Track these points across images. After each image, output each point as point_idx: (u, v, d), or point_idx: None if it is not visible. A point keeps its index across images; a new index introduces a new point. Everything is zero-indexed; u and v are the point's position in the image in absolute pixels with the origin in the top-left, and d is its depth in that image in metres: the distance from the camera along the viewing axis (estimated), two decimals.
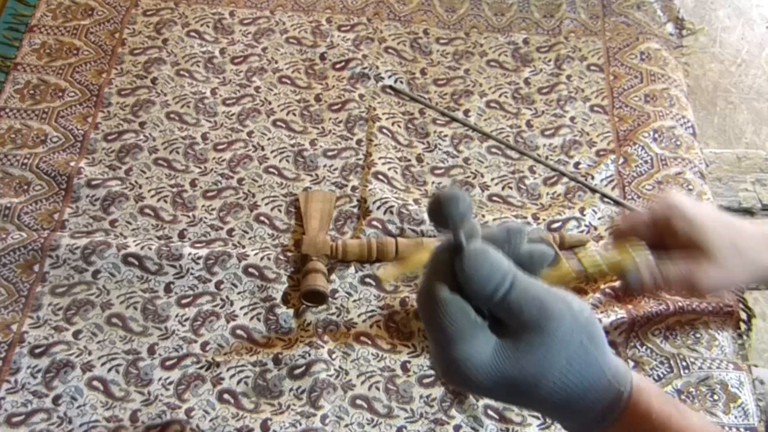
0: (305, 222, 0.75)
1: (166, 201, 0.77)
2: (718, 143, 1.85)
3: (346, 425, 0.64)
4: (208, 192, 0.78)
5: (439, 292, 0.44)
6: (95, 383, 0.66)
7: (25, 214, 0.75)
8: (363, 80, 0.87)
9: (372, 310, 0.71)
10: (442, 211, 0.43)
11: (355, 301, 0.72)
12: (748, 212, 0.82)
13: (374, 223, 0.75)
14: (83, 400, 0.65)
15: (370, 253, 0.72)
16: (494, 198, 0.79)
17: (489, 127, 0.84)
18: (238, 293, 0.71)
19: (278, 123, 0.83)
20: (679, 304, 0.71)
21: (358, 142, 0.82)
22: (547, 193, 0.80)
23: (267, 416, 0.65)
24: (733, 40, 2.00)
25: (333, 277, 0.73)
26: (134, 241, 0.73)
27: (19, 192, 0.76)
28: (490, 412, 0.66)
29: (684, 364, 0.69)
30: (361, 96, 0.86)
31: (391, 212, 0.76)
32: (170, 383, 0.66)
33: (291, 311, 0.71)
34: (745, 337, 0.71)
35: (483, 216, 0.76)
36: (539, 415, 0.66)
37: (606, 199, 0.79)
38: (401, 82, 0.87)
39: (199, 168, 0.79)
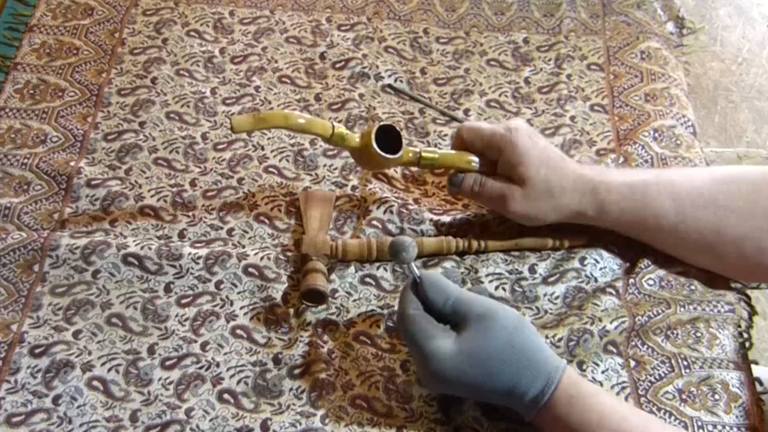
0: (305, 222, 0.75)
1: (166, 201, 0.77)
2: (719, 142, 1.85)
3: (346, 425, 0.64)
4: (208, 192, 0.78)
5: (409, 311, 0.62)
6: (95, 383, 0.66)
7: (24, 214, 0.75)
8: (363, 80, 0.87)
9: (372, 310, 0.71)
10: (398, 256, 0.64)
11: (355, 300, 0.72)
12: None
13: (374, 222, 0.75)
14: (83, 400, 0.65)
15: (370, 252, 0.72)
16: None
17: None
18: (238, 293, 0.71)
19: None
20: (680, 303, 0.71)
21: None
22: None
23: (267, 416, 0.65)
24: (734, 39, 2.00)
25: (333, 276, 0.73)
26: (134, 240, 0.72)
27: (19, 192, 0.76)
28: (491, 413, 0.66)
29: (685, 363, 0.69)
30: (361, 95, 0.86)
31: (391, 212, 0.76)
32: (170, 383, 0.66)
33: (291, 311, 0.71)
34: (745, 335, 0.71)
35: (483, 215, 0.76)
36: None
37: None
38: (401, 82, 0.87)
39: (199, 168, 0.79)
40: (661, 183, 0.70)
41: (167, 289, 0.71)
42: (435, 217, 0.75)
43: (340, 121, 0.83)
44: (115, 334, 0.69)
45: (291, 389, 0.66)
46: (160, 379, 0.66)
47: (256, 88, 0.86)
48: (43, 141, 0.80)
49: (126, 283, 0.71)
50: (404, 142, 0.72)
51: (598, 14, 0.95)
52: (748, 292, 0.75)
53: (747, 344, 0.71)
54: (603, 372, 0.68)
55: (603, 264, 0.75)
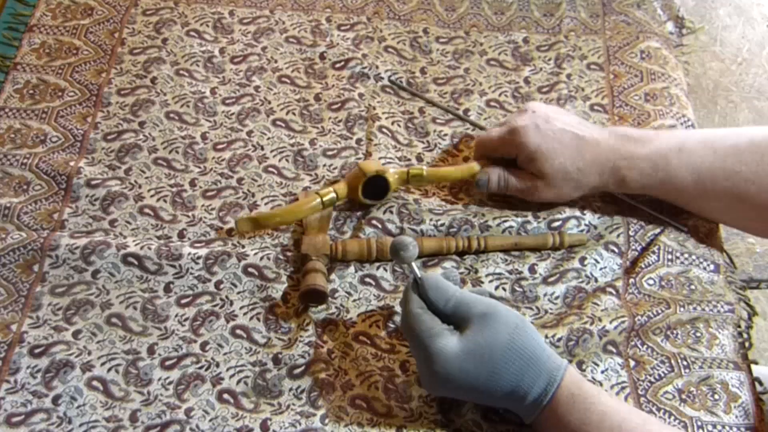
0: (305, 222, 0.75)
1: (165, 201, 0.77)
2: None
3: (346, 425, 0.64)
4: (207, 192, 0.78)
5: (414, 309, 0.62)
6: (95, 383, 0.66)
7: (24, 214, 0.75)
8: (363, 79, 0.87)
9: (372, 310, 0.71)
10: (398, 255, 0.64)
11: (354, 300, 0.72)
12: None
13: (374, 222, 0.75)
14: (83, 400, 0.65)
15: (370, 252, 0.72)
16: (494, 197, 0.79)
17: (489, 126, 0.84)
18: (238, 293, 0.71)
19: (278, 122, 0.83)
20: (680, 303, 0.71)
21: (358, 141, 0.82)
22: None
23: (267, 416, 0.65)
24: (734, 39, 2.00)
25: (333, 276, 0.73)
26: (134, 240, 0.72)
27: (19, 192, 0.76)
28: (490, 415, 0.66)
29: (685, 363, 0.69)
30: (360, 95, 0.86)
31: (391, 212, 0.76)
32: (170, 383, 0.66)
33: (291, 311, 0.71)
34: (745, 335, 0.71)
35: (483, 215, 0.76)
36: None
37: (606, 198, 0.79)
38: (401, 81, 0.87)
39: (199, 168, 0.79)
40: (683, 154, 0.72)
41: (167, 289, 0.71)
42: (435, 217, 0.75)
43: (340, 121, 0.83)
44: (115, 334, 0.69)
45: (291, 389, 0.66)
46: (159, 379, 0.66)
47: (256, 88, 0.86)
48: (43, 141, 0.80)
49: (126, 283, 0.71)
50: (392, 177, 0.75)
51: (598, 14, 0.95)
52: (748, 292, 0.75)
53: (747, 344, 0.71)
54: (603, 372, 0.68)
55: (603, 264, 0.75)
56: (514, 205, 0.78)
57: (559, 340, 0.68)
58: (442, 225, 0.75)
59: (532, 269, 0.74)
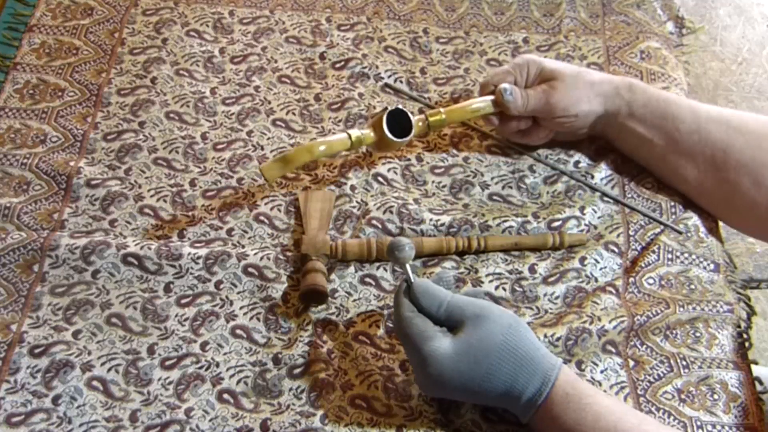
0: (305, 222, 0.75)
1: (165, 201, 0.77)
2: None
3: (346, 425, 0.64)
4: (207, 192, 0.78)
5: (405, 313, 0.62)
6: (95, 383, 0.66)
7: (24, 214, 0.75)
8: (363, 79, 0.87)
9: (372, 310, 0.71)
10: (393, 255, 0.65)
11: (354, 300, 0.72)
12: None
13: (374, 222, 0.75)
14: (83, 400, 0.65)
15: (370, 252, 0.72)
16: (494, 197, 0.79)
17: (489, 126, 0.84)
18: (238, 293, 0.71)
19: (278, 122, 0.83)
20: (680, 303, 0.71)
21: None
22: (547, 192, 0.80)
23: (267, 416, 0.65)
24: (734, 39, 2.00)
25: (333, 276, 0.73)
26: (134, 240, 0.72)
27: (19, 192, 0.76)
28: (490, 415, 0.66)
29: (684, 363, 0.69)
30: (360, 95, 0.86)
31: (391, 212, 0.76)
32: (170, 383, 0.66)
33: (291, 311, 0.71)
34: (745, 335, 0.71)
35: (483, 215, 0.76)
36: None
37: (606, 198, 0.79)
38: (401, 82, 0.87)
39: (199, 168, 0.79)
40: (682, 99, 0.79)
41: (167, 289, 0.71)
42: (435, 217, 0.75)
43: (340, 121, 0.84)
44: (115, 334, 0.69)
45: (291, 389, 0.66)
46: (159, 379, 0.66)
47: (256, 88, 0.86)
48: (43, 141, 0.80)
49: (126, 283, 0.71)
50: (412, 118, 0.75)
51: (598, 14, 0.95)
52: (748, 292, 0.75)
53: (746, 344, 0.71)
54: (602, 372, 0.68)
55: (603, 264, 0.75)
56: (514, 205, 0.78)
57: (558, 339, 0.68)
58: (442, 225, 0.75)
59: (532, 269, 0.74)
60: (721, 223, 0.79)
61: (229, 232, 0.75)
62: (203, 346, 0.68)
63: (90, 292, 0.70)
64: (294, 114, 0.84)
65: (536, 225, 0.77)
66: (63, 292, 0.70)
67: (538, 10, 0.95)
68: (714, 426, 0.66)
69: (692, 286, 0.73)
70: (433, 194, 0.79)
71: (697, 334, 0.70)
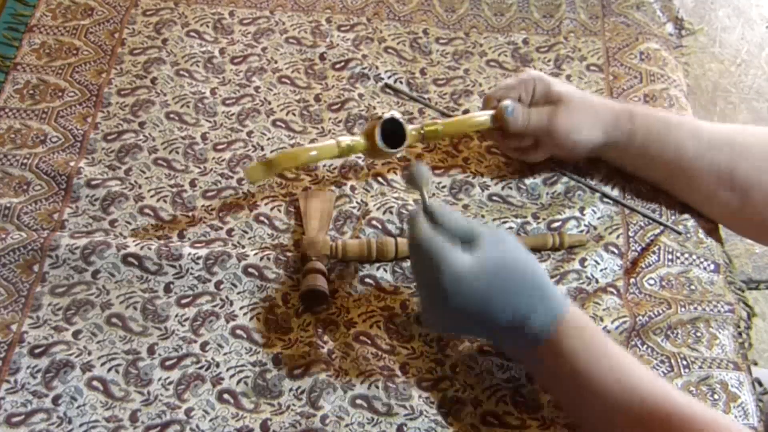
0: (305, 222, 0.75)
1: (165, 201, 0.77)
2: None
3: (347, 425, 0.64)
4: (207, 192, 0.78)
5: (424, 231, 0.61)
6: (95, 383, 0.66)
7: (24, 214, 0.75)
8: (362, 80, 0.87)
9: (372, 310, 0.71)
10: (413, 181, 0.65)
11: (355, 301, 0.72)
12: None
13: (374, 223, 0.75)
14: (83, 400, 0.65)
15: (370, 253, 0.72)
16: (494, 197, 0.79)
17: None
18: (238, 293, 0.71)
19: (278, 123, 0.83)
20: (681, 303, 0.71)
21: None
22: (547, 193, 0.80)
23: (267, 416, 0.65)
24: (733, 40, 2.00)
25: (333, 277, 0.73)
26: (134, 241, 0.72)
27: (19, 192, 0.76)
28: (489, 419, 0.66)
29: (684, 363, 0.69)
30: (360, 96, 0.86)
31: (391, 212, 0.76)
32: (170, 383, 0.66)
33: (291, 311, 0.71)
34: (744, 336, 0.71)
35: (483, 216, 0.76)
36: (538, 417, 0.66)
37: (606, 199, 0.79)
38: (401, 82, 0.87)
39: (199, 168, 0.79)
40: (684, 120, 0.76)
41: (167, 289, 0.71)
42: None
43: (340, 122, 0.84)
44: (115, 334, 0.69)
45: (291, 389, 0.66)
46: (160, 379, 0.66)
47: (256, 88, 0.86)
48: (43, 141, 0.80)
49: (126, 283, 0.71)
50: (406, 128, 0.74)
51: (598, 15, 0.95)
52: (747, 293, 0.75)
53: (746, 345, 0.71)
54: None
55: (603, 265, 0.75)
56: (514, 205, 0.78)
57: None
58: None
59: None
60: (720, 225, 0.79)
61: (229, 232, 0.75)
62: (203, 346, 0.68)
63: (90, 292, 0.70)
64: (294, 114, 0.84)
65: (536, 226, 0.77)
66: (63, 292, 0.70)
67: (537, 11, 0.95)
68: None
69: (692, 287, 0.73)
70: (433, 195, 0.79)
71: (698, 334, 0.70)
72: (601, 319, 0.69)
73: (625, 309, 0.71)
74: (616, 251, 0.76)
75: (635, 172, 0.79)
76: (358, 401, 0.66)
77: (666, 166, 0.76)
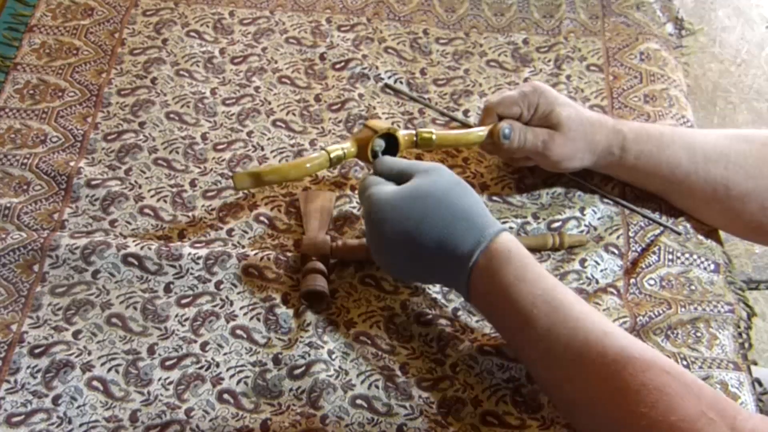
0: (305, 222, 0.75)
1: (165, 201, 0.77)
2: None
3: (347, 425, 0.64)
4: (208, 192, 0.78)
5: (368, 180, 0.67)
6: (95, 383, 0.66)
7: (24, 214, 0.75)
8: (363, 80, 0.87)
9: (372, 310, 0.71)
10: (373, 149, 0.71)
11: (355, 301, 0.72)
12: None
13: None
14: (83, 400, 0.65)
15: (370, 253, 0.72)
16: (494, 198, 0.79)
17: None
18: (238, 293, 0.71)
19: (278, 123, 0.83)
20: (681, 303, 0.71)
21: None
22: (547, 193, 0.80)
23: (267, 416, 0.65)
24: (733, 40, 2.00)
25: (333, 277, 0.73)
26: (134, 241, 0.72)
27: (19, 192, 0.76)
28: (489, 418, 0.66)
29: (685, 363, 0.69)
30: (360, 96, 0.86)
31: None
32: (170, 383, 0.66)
33: (291, 311, 0.71)
34: (744, 336, 0.71)
35: None
36: (538, 418, 0.66)
37: (606, 199, 0.79)
38: (401, 82, 0.87)
39: (199, 168, 0.79)
40: (677, 134, 0.76)
41: (167, 289, 0.71)
42: None
43: (340, 122, 0.84)
44: (115, 334, 0.69)
45: (291, 389, 0.66)
46: (160, 379, 0.66)
47: (256, 88, 0.86)
48: (43, 141, 0.80)
49: (126, 283, 0.71)
50: (400, 138, 0.73)
51: (598, 15, 0.95)
52: (747, 293, 0.75)
53: (746, 345, 0.71)
54: None
55: (604, 266, 0.75)
56: (514, 205, 0.78)
57: None
58: None
59: None
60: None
61: (229, 232, 0.75)
62: (203, 346, 0.68)
63: (90, 292, 0.70)
64: (294, 114, 0.84)
65: (536, 226, 0.77)
66: (63, 292, 0.70)
67: (537, 11, 0.95)
68: None
69: (693, 287, 0.73)
70: None
71: (698, 334, 0.70)
72: None
73: (625, 309, 0.71)
74: (617, 251, 0.76)
75: (630, 184, 0.80)
76: (358, 401, 0.66)
77: (661, 182, 0.76)
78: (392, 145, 0.73)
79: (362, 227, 0.75)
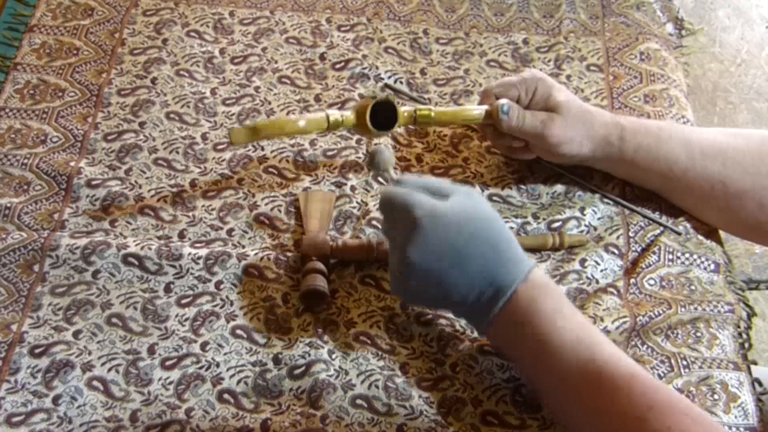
0: (305, 222, 0.75)
1: (166, 201, 0.77)
2: None
3: (347, 425, 0.64)
4: (208, 192, 0.78)
5: (396, 190, 0.63)
6: (95, 383, 0.66)
7: (25, 214, 0.75)
8: (363, 80, 0.87)
9: (372, 310, 0.71)
10: (375, 164, 0.69)
11: (355, 301, 0.72)
12: None
13: (374, 223, 0.75)
14: (83, 400, 0.65)
15: (370, 253, 0.72)
16: (494, 197, 0.79)
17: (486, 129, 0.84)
18: (238, 293, 0.71)
19: None
20: (681, 303, 0.71)
21: (358, 141, 0.82)
22: (547, 193, 0.80)
23: (267, 416, 0.65)
24: (733, 40, 2.00)
25: (333, 277, 0.73)
26: (134, 241, 0.73)
27: (19, 192, 0.76)
28: (489, 418, 0.66)
29: (685, 363, 0.69)
30: (360, 96, 0.86)
31: None
32: (170, 383, 0.66)
33: (291, 311, 0.71)
34: (744, 336, 0.71)
35: None
36: (538, 418, 0.66)
37: (606, 199, 0.79)
38: (401, 82, 0.87)
39: (199, 168, 0.79)
40: (675, 130, 0.76)
41: (167, 289, 0.71)
42: None
43: None
44: (115, 334, 0.69)
45: (291, 389, 0.66)
46: (160, 379, 0.66)
47: (256, 88, 0.86)
48: (43, 141, 0.80)
49: (126, 283, 0.71)
50: (401, 110, 0.74)
51: (598, 15, 0.95)
52: (747, 293, 0.75)
53: (746, 345, 0.71)
54: None
55: (604, 266, 0.75)
56: (514, 205, 0.78)
57: None
58: None
59: None
60: None
61: (230, 232, 0.75)
62: (203, 346, 0.68)
63: (90, 292, 0.70)
64: (294, 114, 0.84)
65: (536, 226, 0.77)
66: (63, 292, 0.70)
67: (537, 11, 0.95)
68: None
69: (693, 287, 0.73)
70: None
71: (698, 334, 0.70)
72: (602, 320, 0.69)
73: (625, 309, 0.71)
74: (617, 252, 0.76)
75: (628, 180, 0.79)
76: (358, 401, 0.66)
77: (658, 178, 0.76)
78: (390, 120, 0.74)
79: (362, 227, 0.75)
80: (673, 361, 0.69)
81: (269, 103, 0.85)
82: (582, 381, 0.58)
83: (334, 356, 0.68)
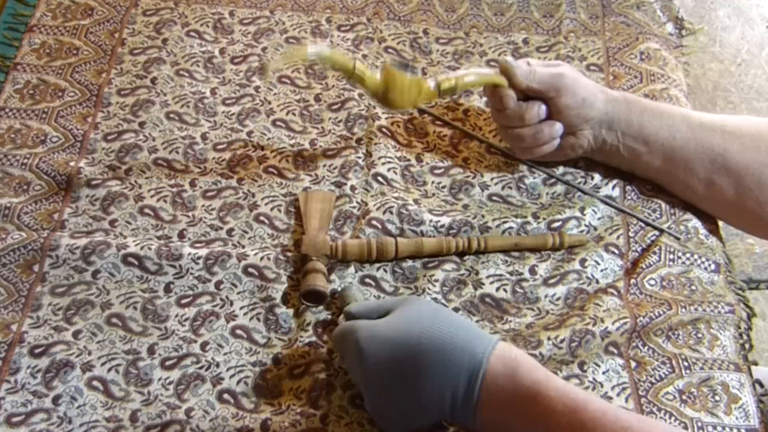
0: (305, 222, 0.75)
1: (165, 201, 0.77)
2: None
3: (347, 424, 0.64)
4: (207, 192, 0.78)
5: (341, 327, 0.64)
6: (95, 383, 0.66)
7: (24, 214, 0.75)
8: None
9: None
10: (342, 300, 0.69)
11: (355, 301, 0.71)
12: None
13: (374, 223, 0.75)
14: (83, 400, 0.65)
15: (370, 253, 0.72)
16: (494, 198, 0.79)
17: (489, 126, 0.84)
18: (238, 293, 0.71)
19: (278, 123, 0.83)
20: (681, 303, 0.71)
21: (358, 141, 0.82)
22: (547, 193, 0.80)
23: (267, 416, 0.65)
24: (733, 40, 2.00)
25: (333, 277, 0.73)
26: (134, 241, 0.72)
27: (19, 192, 0.76)
28: None
29: (686, 364, 0.69)
30: (360, 95, 0.86)
31: (391, 212, 0.76)
32: (170, 383, 0.66)
33: (291, 311, 0.71)
34: (745, 337, 0.71)
35: (483, 216, 0.76)
36: None
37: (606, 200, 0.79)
38: None
39: (199, 168, 0.79)
40: (674, 109, 0.79)
41: (167, 289, 0.71)
42: (434, 218, 0.75)
43: (340, 122, 0.84)
44: (115, 334, 0.69)
45: (291, 389, 0.66)
46: (160, 379, 0.66)
47: (256, 88, 0.86)
48: (43, 141, 0.80)
49: (126, 283, 0.71)
50: (426, 84, 0.73)
51: (598, 15, 0.95)
52: (747, 293, 0.75)
53: (747, 345, 0.71)
54: (604, 373, 0.68)
55: (604, 265, 0.75)
56: (514, 205, 0.78)
57: (562, 341, 0.68)
58: (442, 226, 0.75)
59: (532, 270, 0.74)
60: (720, 223, 0.79)
61: (230, 232, 0.75)
62: (203, 346, 0.68)
63: (90, 292, 0.70)
64: (294, 114, 0.84)
65: (536, 226, 0.77)
66: (63, 292, 0.70)
67: (537, 11, 0.95)
68: (715, 427, 0.66)
69: (693, 287, 0.73)
70: (433, 195, 0.79)
71: (699, 335, 0.70)
72: (602, 320, 0.69)
73: (625, 310, 0.71)
74: (617, 252, 0.76)
75: (631, 166, 0.79)
76: (358, 401, 0.66)
77: (660, 151, 0.76)
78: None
79: (362, 227, 0.75)
80: (674, 362, 0.69)
81: (269, 103, 0.85)
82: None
83: (333, 356, 0.68)
